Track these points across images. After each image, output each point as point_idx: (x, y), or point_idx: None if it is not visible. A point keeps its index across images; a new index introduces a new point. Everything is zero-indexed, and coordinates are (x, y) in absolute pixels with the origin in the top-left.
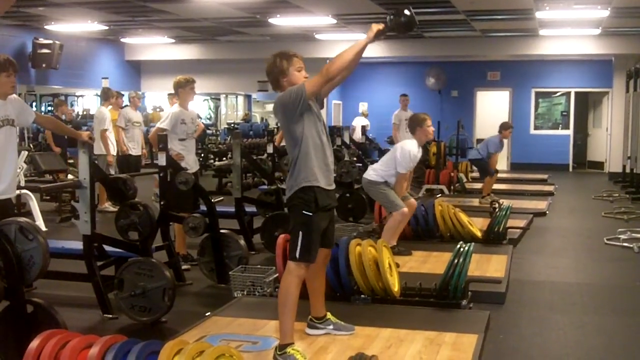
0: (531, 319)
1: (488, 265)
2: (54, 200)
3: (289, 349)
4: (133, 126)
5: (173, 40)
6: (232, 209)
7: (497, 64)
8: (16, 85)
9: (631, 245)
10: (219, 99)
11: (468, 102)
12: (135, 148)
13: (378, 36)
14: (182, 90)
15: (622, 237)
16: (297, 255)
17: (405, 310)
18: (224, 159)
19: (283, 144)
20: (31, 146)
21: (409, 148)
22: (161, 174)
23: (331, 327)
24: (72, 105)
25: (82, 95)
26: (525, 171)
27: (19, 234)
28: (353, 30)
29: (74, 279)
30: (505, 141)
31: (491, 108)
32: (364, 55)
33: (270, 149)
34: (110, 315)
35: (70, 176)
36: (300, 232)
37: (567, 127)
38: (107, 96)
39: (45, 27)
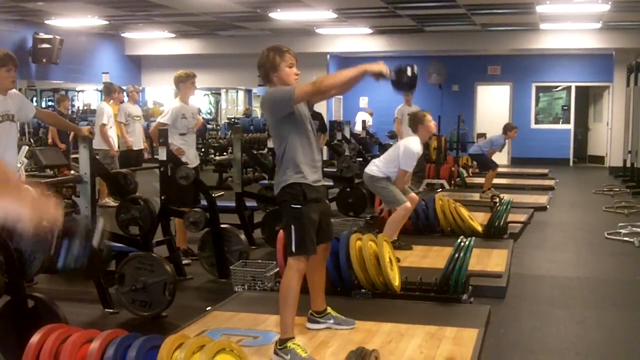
0: (532, 314)
1: (489, 260)
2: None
3: (289, 344)
4: (133, 120)
5: (173, 35)
6: (233, 204)
7: (498, 58)
8: (16, 80)
9: (632, 240)
10: (220, 94)
11: (468, 97)
12: (136, 142)
13: (379, 76)
14: (183, 85)
15: (623, 231)
16: (293, 249)
17: (405, 305)
18: (225, 153)
19: None
20: (32, 141)
21: (413, 147)
22: (161, 169)
23: (332, 321)
24: (72, 100)
25: (82, 90)
26: (526, 166)
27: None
28: (354, 24)
29: (74, 274)
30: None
31: (492, 103)
32: (364, 49)
33: (270, 144)
34: (111, 310)
35: (73, 172)
36: (293, 226)
37: (567, 121)
38: (109, 91)
39: (46, 21)
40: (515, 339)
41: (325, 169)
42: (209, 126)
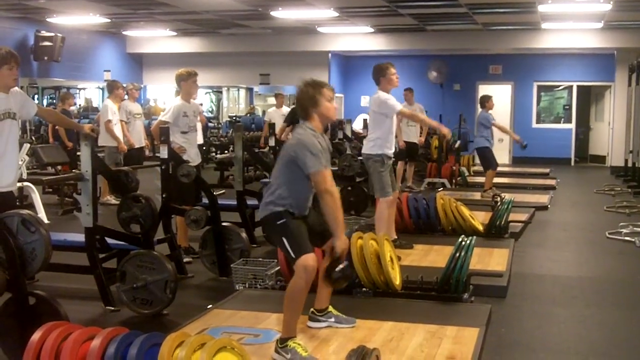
0: (533, 313)
1: (490, 259)
2: (56, 192)
3: (290, 342)
4: (134, 118)
5: (175, 33)
6: (234, 202)
7: (499, 57)
8: (18, 78)
9: (633, 239)
10: (221, 92)
11: (470, 96)
12: (137, 140)
13: (335, 255)
14: (185, 83)
15: (624, 231)
16: (293, 255)
17: (406, 304)
18: (226, 151)
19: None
20: (33, 139)
21: (381, 96)
22: (163, 167)
23: (333, 319)
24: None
25: (83, 88)
26: (527, 165)
27: (21, 226)
28: (355, 23)
29: (76, 272)
30: (505, 136)
31: (493, 102)
32: (366, 48)
33: (272, 142)
34: (112, 308)
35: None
36: (284, 238)
37: (569, 120)
38: (111, 88)
39: (47, 19)
40: (516, 338)
41: None
42: (210, 124)
